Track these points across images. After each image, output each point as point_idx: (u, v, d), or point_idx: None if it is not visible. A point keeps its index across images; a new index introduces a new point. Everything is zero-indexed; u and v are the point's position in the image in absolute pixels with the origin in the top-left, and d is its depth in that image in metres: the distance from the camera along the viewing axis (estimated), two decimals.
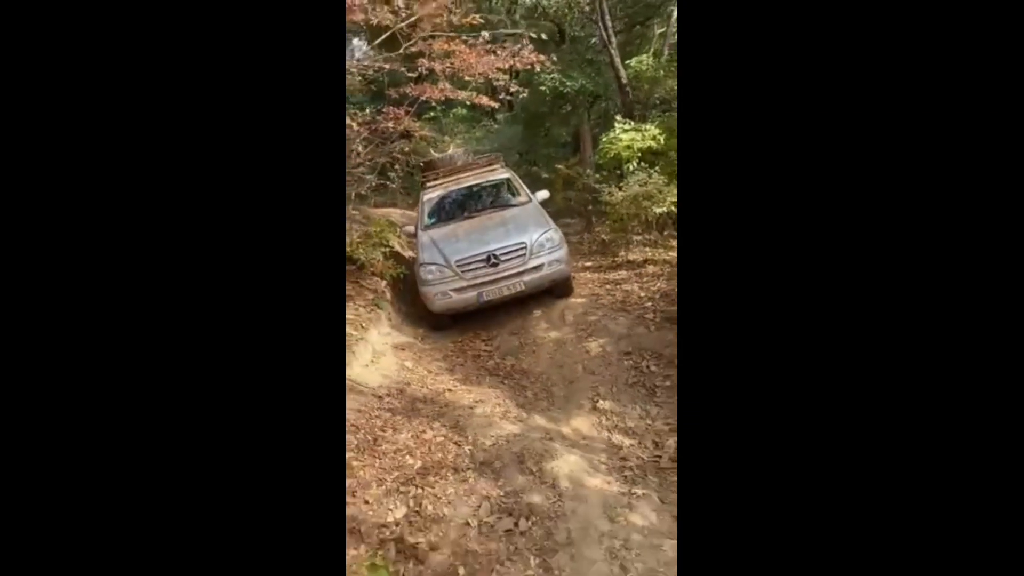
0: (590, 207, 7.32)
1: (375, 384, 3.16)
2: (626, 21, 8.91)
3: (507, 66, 5.44)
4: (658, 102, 6.86)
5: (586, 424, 3.10)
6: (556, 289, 4.68)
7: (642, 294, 4.82)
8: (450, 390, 3.36)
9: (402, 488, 2.08)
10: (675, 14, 7.88)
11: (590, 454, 2.63)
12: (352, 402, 2.80)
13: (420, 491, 2.07)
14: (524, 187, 5.41)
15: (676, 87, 6.43)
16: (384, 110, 5.27)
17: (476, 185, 5.45)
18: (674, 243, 5.96)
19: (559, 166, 8.16)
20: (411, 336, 4.45)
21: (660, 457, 2.75)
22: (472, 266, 4.25)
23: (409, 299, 5.12)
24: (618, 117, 6.87)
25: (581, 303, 4.74)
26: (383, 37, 4.51)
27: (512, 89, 5.66)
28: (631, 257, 6.08)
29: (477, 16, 5.35)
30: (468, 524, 1.91)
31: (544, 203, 5.25)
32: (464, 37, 5.08)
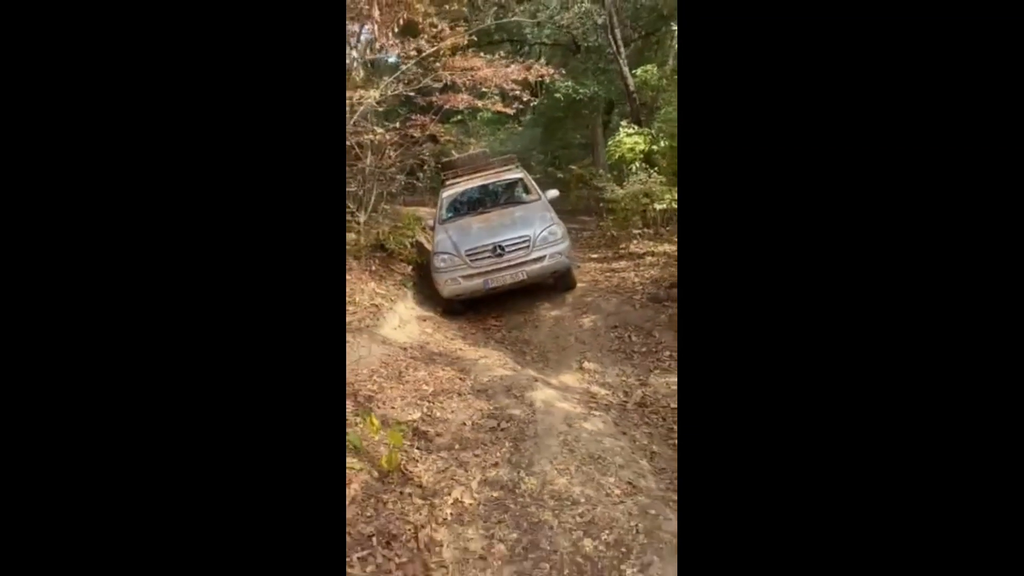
0: (601, 204, 7.94)
1: (401, 341, 3.93)
2: (641, 32, 9.49)
3: (521, 78, 6.17)
4: (660, 108, 7.46)
5: (571, 379, 3.79)
6: (559, 282, 5.12)
7: (635, 280, 5.48)
8: (461, 349, 4.10)
9: (418, 402, 2.85)
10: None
11: (567, 395, 3.33)
12: (382, 351, 3.58)
13: (432, 404, 2.83)
14: (535, 186, 5.86)
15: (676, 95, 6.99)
16: (413, 118, 6.08)
17: (491, 184, 5.92)
18: (672, 237, 6.57)
19: (573, 167, 8.83)
20: (431, 311, 5.21)
21: (626, 402, 3.43)
22: (480, 255, 4.70)
23: (430, 283, 5.89)
24: (623, 122, 7.52)
25: (582, 287, 5.42)
26: (414, 60, 5.26)
27: (525, 98, 6.39)
28: (632, 249, 6.71)
29: (495, 33, 6.05)
30: (464, 424, 2.66)
31: (555, 201, 5.65)
32: (482, 54, 5.82)
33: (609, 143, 7.50)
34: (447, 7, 5.32)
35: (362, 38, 4.64)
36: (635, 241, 6.97)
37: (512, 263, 4.68)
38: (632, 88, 7.85)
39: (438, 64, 5.60)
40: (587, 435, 2.58)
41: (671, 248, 6.14)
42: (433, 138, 6.93)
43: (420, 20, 5.02)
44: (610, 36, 7.89)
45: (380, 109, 4.59)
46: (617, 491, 2.15)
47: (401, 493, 2.08)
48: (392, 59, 5.11)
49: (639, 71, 7.90)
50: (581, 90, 8.59)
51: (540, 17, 8.38)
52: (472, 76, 5.68)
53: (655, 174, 6.55)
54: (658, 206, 6.55)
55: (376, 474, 2.16)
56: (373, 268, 5.10)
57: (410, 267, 5.55)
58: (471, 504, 2.05)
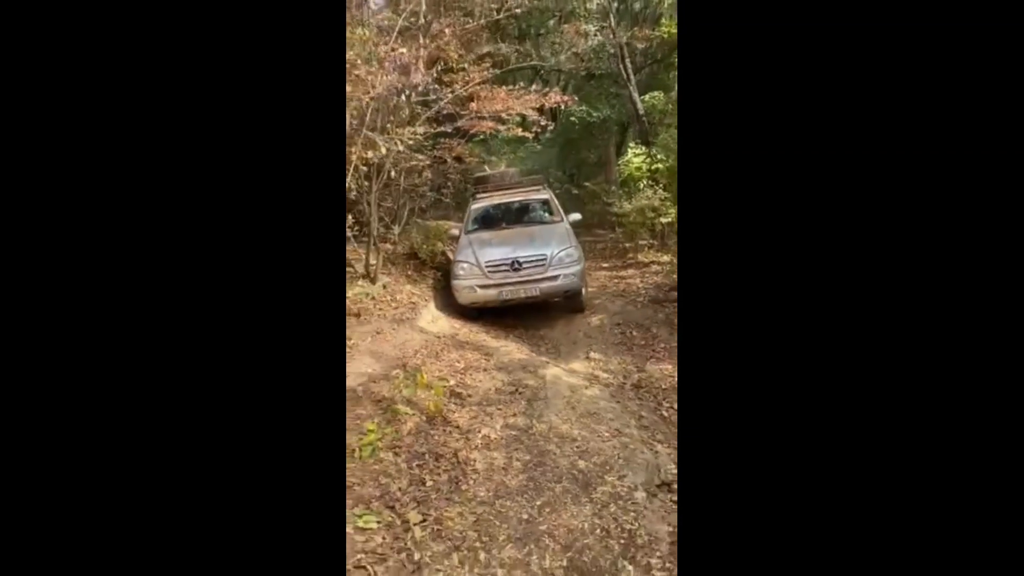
0: (612, 218, 8.61)
1: (435, 332, 4.67)
2: (652, 58, 10.24)
3: (538, 105, 6.93)
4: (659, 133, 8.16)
5: (579, 366, 4.46)
6: (569, 303, 5.35)
7: (640, 285, 6.17)
8: (484, 340, 4.80)
9: (453, 374, 3.57)
10: None
11: (574, 375, 4.00)
12: (419, 338, 4.31)
13: (463, 376, 3.56)
14: (560, 208, 6.08)
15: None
16: (442, 142, 6.88)
17: (518, 201, 6.23)
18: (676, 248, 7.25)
19: (587, 183, 9.56)
20: (457, 312, 5.94)
21: (624, 383, 4.09)
22: (498, 268, 4.95)
23: None
24: (632, 144, 8.23)
25: (592, 292, 6.10)
26: (447, 99, 6.07)
27: (542, 123, 7.16)
28: (640, 259, 7.40)
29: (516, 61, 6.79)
30: (490, 389, 3.38)
31: (576, 224, 5.88)
32: (504, 87, 6.61)
33: (619, 162, 8.20)
34: (476, 50, 6.13)
35: (410, 88, 5.40)
36: (642, 251, 7.67)
37: (527, 279, 4.91)
38: (641, 112, 8.59)
39: (470, 101, 6.30)
40: (587, 399, 3.26)
41: (675, 257, 6.79)
42: (459, 158, 7.70)
43: (454, 65, 5.84)
44: (621, 66, 8.66)
45: (419, 137, 5.37)
46: (607, 434, 2.82)
47: (444, 430, 2.79)
48: (432, 97, 5.92)
49: (647, 96, 8.64)
50: (595, 113, 9.34)
51: (558, 51, 9.15)
52: (496, 107, 6.43)
53: (660, 190, 7.22)
54: (664, 220, 7.22)
55: (424, 418, 2.87)
56: (408, 273, 5.86)
57: (439, 273, 6.30)
58: (496, 438, 2.75)
